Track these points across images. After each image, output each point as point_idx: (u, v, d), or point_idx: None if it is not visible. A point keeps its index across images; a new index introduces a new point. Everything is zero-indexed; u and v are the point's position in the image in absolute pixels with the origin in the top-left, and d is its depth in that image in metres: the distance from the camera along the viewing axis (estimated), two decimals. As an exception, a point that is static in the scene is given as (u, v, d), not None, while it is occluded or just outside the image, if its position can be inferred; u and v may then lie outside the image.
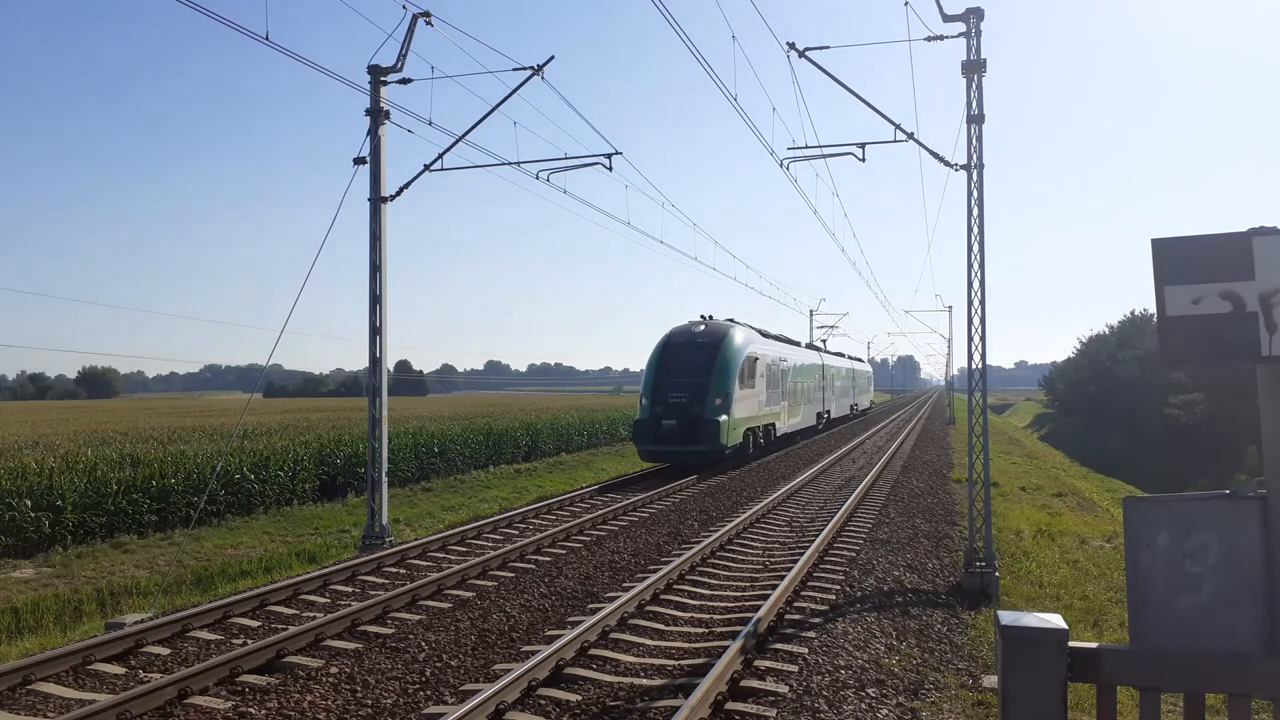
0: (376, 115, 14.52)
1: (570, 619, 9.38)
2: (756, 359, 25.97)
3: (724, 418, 23.05)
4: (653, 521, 15.81)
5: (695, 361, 23.86)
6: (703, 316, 26.80)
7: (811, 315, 57.04)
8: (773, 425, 28.77)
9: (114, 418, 51.59)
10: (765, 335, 29.45)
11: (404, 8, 13.58)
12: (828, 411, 42.14)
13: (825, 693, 7.14)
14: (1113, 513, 22.60)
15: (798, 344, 36.88)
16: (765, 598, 9.73)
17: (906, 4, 11.92)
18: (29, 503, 16.66)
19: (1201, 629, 3.27)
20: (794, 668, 7.67)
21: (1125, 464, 51.83)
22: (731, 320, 26.77)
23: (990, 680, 7.62)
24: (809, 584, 10.86)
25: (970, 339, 11.78)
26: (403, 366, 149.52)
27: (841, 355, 52.83)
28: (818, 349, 42.73)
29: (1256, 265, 3.22)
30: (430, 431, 31.55)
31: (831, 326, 59.53)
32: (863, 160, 14.88)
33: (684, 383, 23.50)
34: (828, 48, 12.95)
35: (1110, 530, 16.93)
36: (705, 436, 22.67)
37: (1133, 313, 79.64)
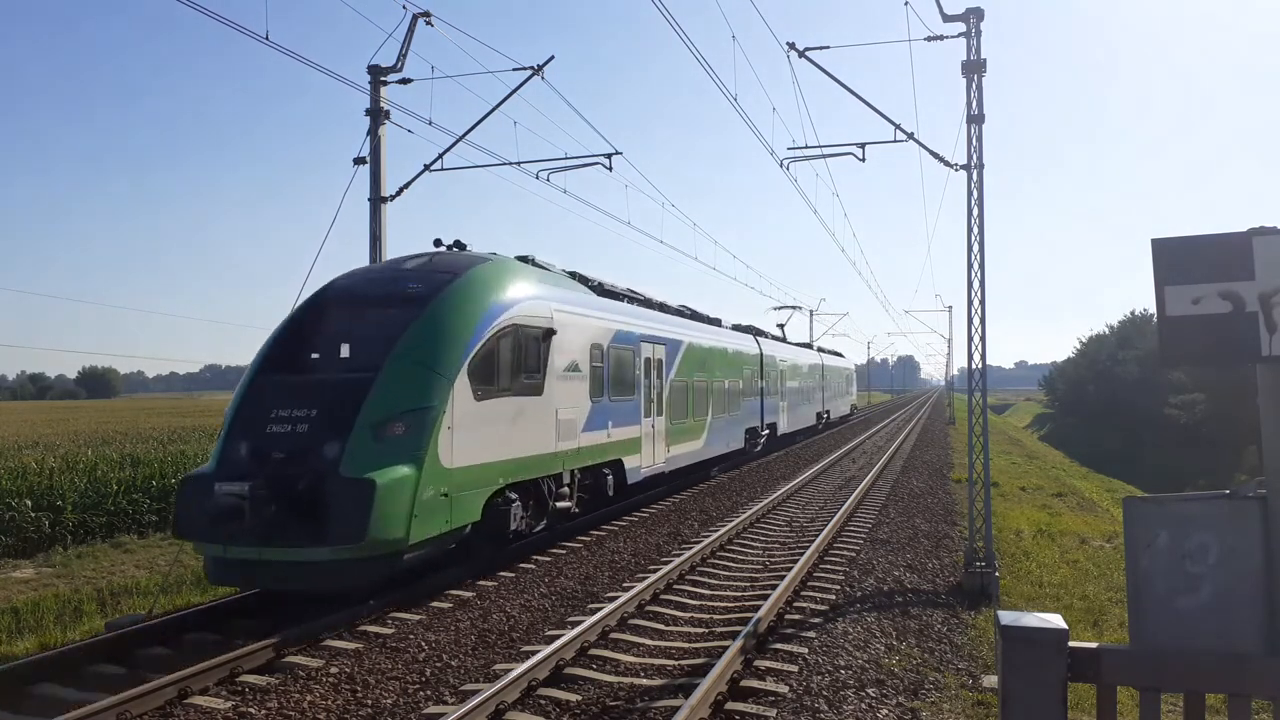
0: (376, 115, 14.54)
1: (570, 619, 9.37)
2: (553, 332, 12.34)
3: (404, 471, 9.10)
4: (653, 521, 15.81)
5: (365, 337, 10.66)
6: (437, 244, 12.99)
7: (811, 315, 56.90)
8: (617, 463, 15.32)
9: (114, 418, 51.68)
10: (604, 292, 16.11)
11: (404, 8, 13.60)
12: (770, 425, 28.46)
13: (825, 693, 7.15)
14: (1113, 513, 22.62)
15: (716, 322, 24.18)
16: (765, 597, 9.73)
17: (907, 4, 11.94)
18: (29, 503, 16.65)
19: (1201, 629, 3.27)
20: (794, 668, 7.67)
21: (1125, 464, 51.90)
22: (526, 259, 13.54)
23: (990, 680, 7.62)
24: (809, 584, 10.86)
25: (970, 339, 11.78)
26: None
27: (808, 347, 41.06)
28: (756, 332, 29.15)
29: (1256, 265, 3.23)
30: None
31: (794, 307, 49.23)
32: (863, 160, 14.92)
33: (314, 385, 9.99)
34: (828, 48, 12.99)
35: (1110, 530, 16.94)
36: (337, 525, 8.65)
37: (1133, 313, 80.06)
